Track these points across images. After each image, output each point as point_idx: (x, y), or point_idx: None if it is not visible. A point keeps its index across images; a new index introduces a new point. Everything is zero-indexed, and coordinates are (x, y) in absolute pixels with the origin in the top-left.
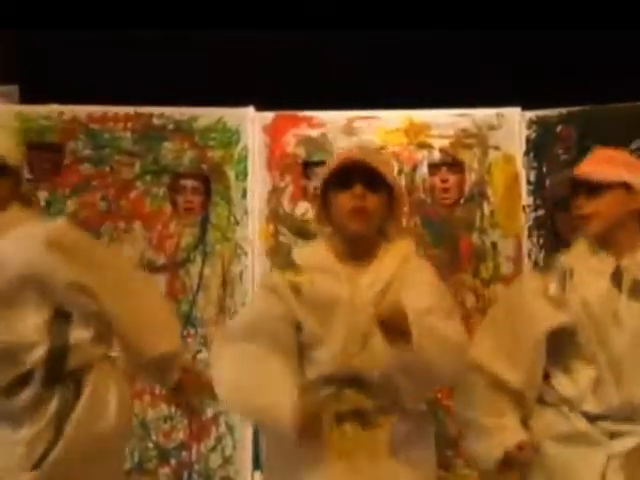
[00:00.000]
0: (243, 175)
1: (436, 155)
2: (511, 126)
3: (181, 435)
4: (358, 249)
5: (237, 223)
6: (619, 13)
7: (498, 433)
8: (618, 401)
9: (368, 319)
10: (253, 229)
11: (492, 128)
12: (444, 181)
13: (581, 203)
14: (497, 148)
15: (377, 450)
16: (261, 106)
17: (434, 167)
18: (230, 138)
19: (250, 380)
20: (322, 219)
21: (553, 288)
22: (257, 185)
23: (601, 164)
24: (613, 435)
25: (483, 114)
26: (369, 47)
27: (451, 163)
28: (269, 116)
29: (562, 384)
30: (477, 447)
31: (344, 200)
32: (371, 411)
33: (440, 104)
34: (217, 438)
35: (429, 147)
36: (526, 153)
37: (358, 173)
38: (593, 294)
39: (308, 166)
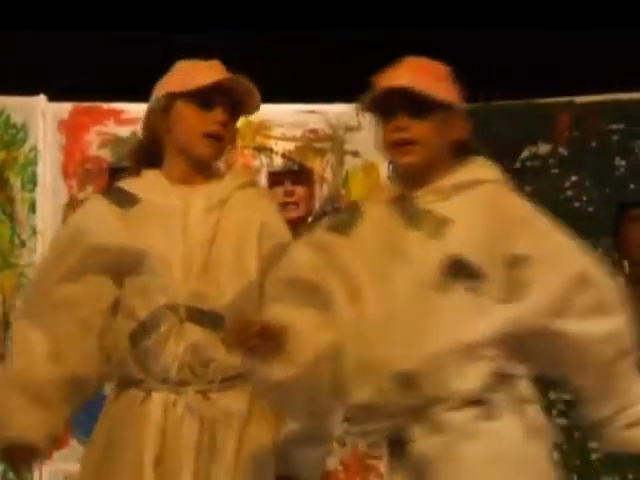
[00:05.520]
0: (31, 184)
1: (278, 162)
2: (374, 126)
3: None
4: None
5: (23, 245)
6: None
7: None
8: None
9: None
10: (43, 253)
11: (350, 129)
12: (288, 194)
13: (405, 123)
14: (356, 154)
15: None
16: (55, 95)
17: (275, 177)
18: (14, 136)
19: None
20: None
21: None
22: (49, 197)
23: (424, 76)
24: None
25: (338, 111)
26: None
27: (297, 172)
28: (65, 108)
29: None
30: None
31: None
32: None
33: (285, 97)
34: None
35: (269, 151)
36: (392, 161)
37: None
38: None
39: (116, 173)
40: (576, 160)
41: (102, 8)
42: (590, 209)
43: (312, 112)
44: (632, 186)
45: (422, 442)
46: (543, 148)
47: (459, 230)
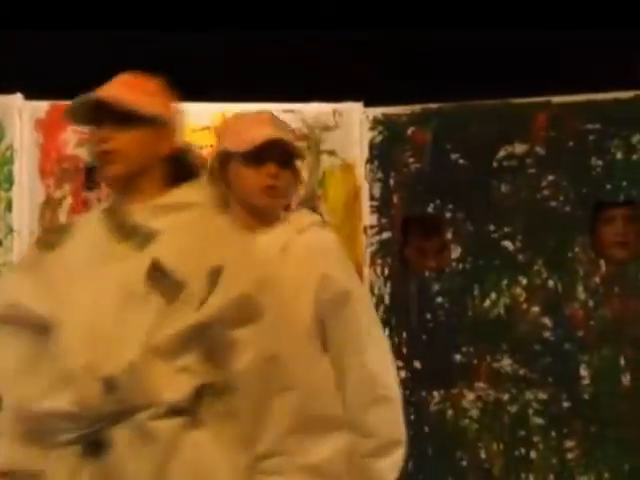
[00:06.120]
0: (8, 183)
1: None
2: (351, 126)
3: None
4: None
5: None
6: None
7: None
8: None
9: None
10: (20, 252)
11: (327, 128)
12: None
13: (108, 134)
14: (333, 154)
15: None
16: (32, 94)
17: None
18: None
19: None
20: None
21: None
22: (26, 196)
23: (131, 90)
24: None
25: (315, 111)
26: None
27: None
28: (42, 107)
29: None
30: None
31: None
32: None
33: (262, 97)
34: None
35: None
36: (369, 161)
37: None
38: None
39: (92, 172)
40: (553, 160)
41: (87, 7)
42: (567, 208)
43: (289, 111)
44: (608, 186)
45: (124, 449)
46: (520, 148)
47: (164, 243)
